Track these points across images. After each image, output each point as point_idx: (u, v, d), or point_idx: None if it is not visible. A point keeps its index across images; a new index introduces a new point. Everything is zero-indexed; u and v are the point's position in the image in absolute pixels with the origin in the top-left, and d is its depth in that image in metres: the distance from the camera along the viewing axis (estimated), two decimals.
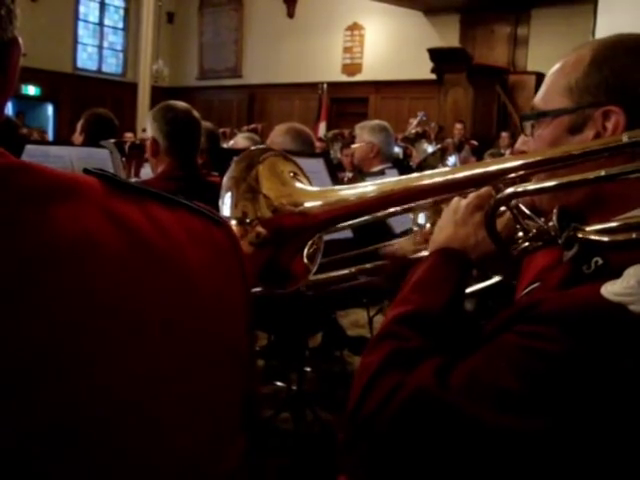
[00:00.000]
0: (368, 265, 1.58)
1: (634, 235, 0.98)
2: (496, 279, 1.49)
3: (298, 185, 1.29)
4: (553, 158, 1.04)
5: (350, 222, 1.36)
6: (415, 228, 1.78)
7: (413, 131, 9.35)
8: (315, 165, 3.28)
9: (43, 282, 0.52)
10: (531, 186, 1.05)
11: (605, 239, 0.99)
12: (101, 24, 16.49)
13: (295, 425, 3.00)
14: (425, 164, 6.74)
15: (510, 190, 1.05)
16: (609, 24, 9.72)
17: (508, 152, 9.82)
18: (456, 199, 1.23)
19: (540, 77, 11.64)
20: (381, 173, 4.21)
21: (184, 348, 0.60)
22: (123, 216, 0.59)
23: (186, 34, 17.21)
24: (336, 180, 3.33)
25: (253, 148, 1.35)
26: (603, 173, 0.99)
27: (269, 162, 1.30)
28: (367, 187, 1.23)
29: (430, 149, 7.66)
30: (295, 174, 1.32)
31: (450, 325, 1.13)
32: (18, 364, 0.49)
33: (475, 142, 10.34)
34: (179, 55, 17.27)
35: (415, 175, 1.21)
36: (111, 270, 0.56)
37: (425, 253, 1.33)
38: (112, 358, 0.54)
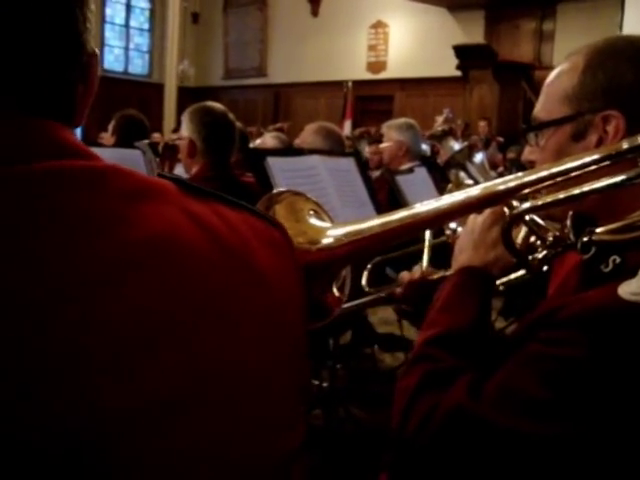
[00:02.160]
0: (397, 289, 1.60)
1: None
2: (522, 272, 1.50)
3: (314, 222, 1.30)
4: (559, 171, 1.07)
5: (371, 254, 1.37)
6: (448, 232, 1.80)
7: (439, 128, 9.31)
8: (346, 164, 3.29)
9: (138, 276, 0.57)
10: (542, 201, 1.09)
11: (620, 237, 1.03)
12: (127, 26, 16.68)
13: (327, 422, 3.04)
14: (453, 161, 6.68)
15: (524, 206, 1.10)
16: (636, 17, 9.61)
17: None
18: (472, 218, 1.28)
19: None
20: (410, 171, 4.22)
21: (262, 341, 0.65)
22: (199, 215, 0.64)
23: (211, 34, 17.33)
24: (367, 179, 3.35)
25: (274, 192, 1.36)
26: (610, 182, 1.02)
27: (287, 202, 1.31)
28: (384, 218, 1.25)
29: (457, 146, 7.61)
30: (315, 212, 1.33)
31: (480, 341, 1.18)
32: (107, 346, 0.54)
33: (501, 139, 10.28)
34: (204, 55, 17.40)
35: (429, 202, 1.23)
36: (197, 265, 0.61)
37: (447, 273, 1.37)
38: (200, 345, 0.59)
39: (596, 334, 0.94)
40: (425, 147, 7.35)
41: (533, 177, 1.10)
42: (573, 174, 1.06)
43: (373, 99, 14.63)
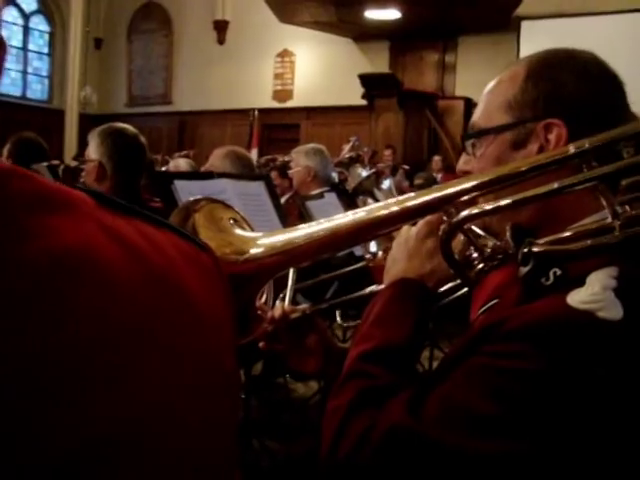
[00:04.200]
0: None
1: (589, 242, 0.97)
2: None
3: (239, 232, 1.23)
4: (503, 176, 1.03)
5: (301, 264, 1.32)
6: (367, 256, 1.74)
7: (347, 156, 9.40)
8: (256, 188, 3.23)
9: (49, 293, 0.46)
10: (486, 206, 1.02)
11: (563, 248, 0.98)
12: (25, 49, 16.04)
13: (242, 455, 2.91)
14: (360, 188, 6.73)
15: (465, 213, 1.03)
16: (531, 51, 10.06)
17: (440, 176, 10.02)
18: (405, 228, 1.20)
19: (468, 102, 12.01)
20: (320, 196, 4.19)
21: (190, 373, 0.55)
22: (120, 232, 0.53)
23: (114, 60, 16.93)
24: (278, 203, 3.29)
25: (191, 199, 1.28)
26: (556, 185, 0.98)
27: (206, 210, 1.24)
28: (314, 227, 1.18)
29: (364, 173, 7.67)
30: (236, 220, 1.26)
31: (416, 356, 1.12)
32: (24, 378, 0.43)
33: (407, 167, 10.46)
34: (107, 81, 16.95)
35: (364, 209, 1.17)
36: (116, 284, 0.50)
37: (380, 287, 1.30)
38: (117, 380, 0.48)
39: (548, 345, 0.89)
40: (333, 175, 7.39)
41: (476, 182, 1.05)
42: (516, 180, 1.02)
43: (279, 127, 14.66)
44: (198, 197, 1.27)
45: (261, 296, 1.27)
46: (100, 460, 0.46)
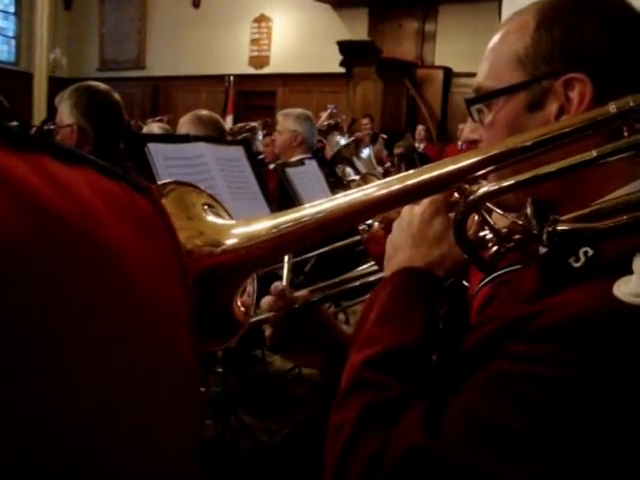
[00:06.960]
0: None
1: (626, 217, 0.83)
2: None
3: (212, 219, 1.08)
4: (523, 147, 0.87)
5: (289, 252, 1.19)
6: (362, 227, 1.60)
7: (325, 123, 9.20)
8: (235, 153, 3.08)
9: None
10: (507, 182, 0.87)
11: (595, 226, 0.83)
12: None
13: (219, 433, 2.78)
14: (339, 156, 6.59)
15: (484, 190, 0.88)
16: None
17: (422, 145, 9.90)
18: (406, 209, 1.05)
19: (447, 71, 11.89)
20: (301, 163, 4.04)
21: (126, 362, 0.40)
22: (2, 170, 0.35)
23: (86, 22, 16.41)
24: (257, 169, 3.14)
25: (158, 183, 1.12)
26: (594, 154, 0.83)
27: (175, 195, 1.07)
28: (301, 212, 1.02)
29: (343, 141, 7.50)
30: (210, 206, 1.10)
31: (427, 358, 0.96)
32: None
33: (385, 135, 10.31)
34: (78, 44, 16.46)
35: (361, 189, 1.00)
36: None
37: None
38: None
39: (593, 348, 0.74)
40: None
41: (488, 155, 0.89)
42: (541, 150, 0.86)
43: (255, 94, 14.38)
44: (166, 181, 1.09)
45: (242, 292, 1.11)
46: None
